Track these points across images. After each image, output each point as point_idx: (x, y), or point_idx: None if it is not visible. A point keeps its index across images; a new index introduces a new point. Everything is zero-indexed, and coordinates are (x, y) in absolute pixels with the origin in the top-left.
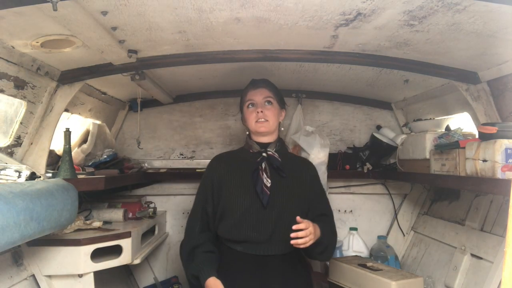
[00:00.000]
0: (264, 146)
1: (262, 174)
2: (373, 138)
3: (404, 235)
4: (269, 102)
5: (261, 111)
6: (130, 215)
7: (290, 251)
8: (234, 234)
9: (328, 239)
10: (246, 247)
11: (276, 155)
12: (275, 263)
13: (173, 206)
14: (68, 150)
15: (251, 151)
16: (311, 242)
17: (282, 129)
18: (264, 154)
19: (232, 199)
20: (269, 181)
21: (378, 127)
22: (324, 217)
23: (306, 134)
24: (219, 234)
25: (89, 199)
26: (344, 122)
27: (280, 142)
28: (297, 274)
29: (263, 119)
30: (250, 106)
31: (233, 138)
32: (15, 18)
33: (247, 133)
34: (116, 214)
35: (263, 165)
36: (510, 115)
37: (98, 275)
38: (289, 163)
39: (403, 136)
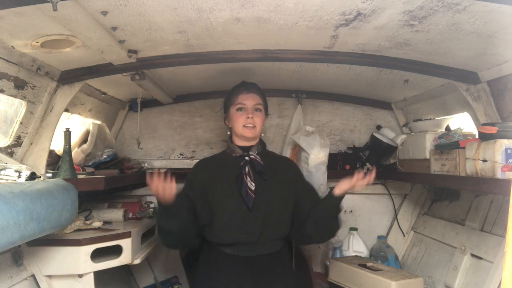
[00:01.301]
0: (246, 149)
1: (246, 178)
2: (373, 138)
3: (404, 235)
4: (259, 109)
5: (252, 117)
6: (130, 215)
7: (279, 250)
8: (224, 238)
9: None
10: (236, 249)
11: (258, 158)
12: (265, 262)
13: None
14: (68, 150)
15: (233, 155)
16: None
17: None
18: (246, 158)
19: (218, 203)
20: (253, 184)
21: (378, 127)
22: None
23: (306, 134)
24: (208, 238)
25: (89, 199)
26: (344, 122)
27: (261, 144)
28: (289, 270)
29: (251, 125)
30: (240, 109)
31: None
32: (15, 18)
33: (228, 133)
34: (116, 214)
35: (247, 169)
36: (510, 115)
37: (98, 275)
38: (272, 164)
39: (403, 136)
